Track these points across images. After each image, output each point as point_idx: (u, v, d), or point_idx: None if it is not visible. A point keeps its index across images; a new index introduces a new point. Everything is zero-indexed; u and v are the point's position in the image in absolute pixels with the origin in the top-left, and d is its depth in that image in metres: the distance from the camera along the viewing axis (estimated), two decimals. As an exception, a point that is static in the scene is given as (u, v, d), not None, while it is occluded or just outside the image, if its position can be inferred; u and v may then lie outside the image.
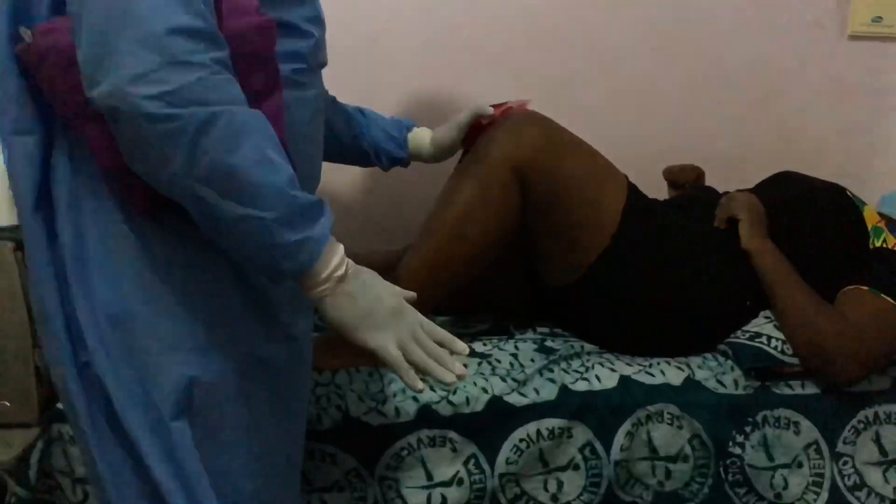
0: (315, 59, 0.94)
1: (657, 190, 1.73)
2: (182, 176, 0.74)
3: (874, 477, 1.35)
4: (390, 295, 0.87)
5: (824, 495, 1.34)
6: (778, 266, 1.35)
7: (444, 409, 1.25)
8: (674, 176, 1.75)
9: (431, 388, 1.24)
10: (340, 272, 0.83)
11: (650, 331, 1.39)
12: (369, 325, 0.85)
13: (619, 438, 1.28)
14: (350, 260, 0.86)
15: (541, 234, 1.35)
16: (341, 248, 0.85)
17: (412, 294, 0.91)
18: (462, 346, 0.89)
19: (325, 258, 0.82)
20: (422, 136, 1.40)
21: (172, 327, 0.87)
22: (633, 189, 1.40)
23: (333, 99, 1.32)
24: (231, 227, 0.77)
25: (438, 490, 1.26)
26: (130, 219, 0.85)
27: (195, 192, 0.75)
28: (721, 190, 1.59)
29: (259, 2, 0.83)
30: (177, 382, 0.87)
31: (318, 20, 0.95)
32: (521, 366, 1.34)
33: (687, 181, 1.74)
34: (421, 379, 0.87)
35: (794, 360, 1.32)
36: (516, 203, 1.30)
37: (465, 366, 0.89)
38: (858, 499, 1.35)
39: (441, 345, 0.88)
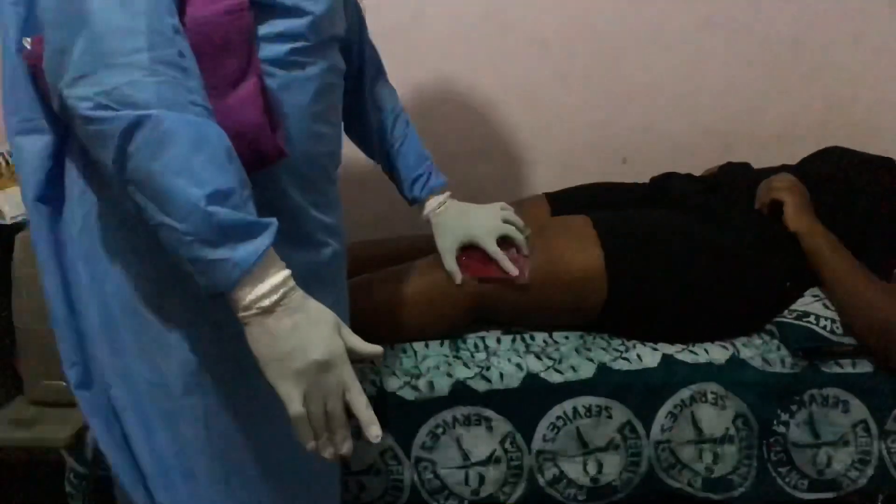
0: (319, 35, 0.89)
1: (704, 166, 1.70)
2: (115, 176, 0.73)
3: None
4: (322, 347, 0.79)
5: (869, 471, 1.30)
6: (830, 246, 1.29)
7: (479, 385, 1.24)
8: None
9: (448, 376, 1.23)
10: (266, 303, 0.76)
11: (690, 328, 1.34)
12: (281, 370, 0.78)
13: (661, 418, 1.26)
14: (298, 294, 0.79)
15: (531, 315, 1.36)
16: (281, 277, 0.77)
17: (373, 350, 0.84)
18: (375, 432, 0.82)
19: (246, 284, 0.75)
20: (432, 207, 1.30)
21: (181, 305, 0.87)
22: (605, 233, 1.33)
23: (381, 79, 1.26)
24: (156, 231, 0.75)
25: (476, 469, 1.25)
26: None
27: (128, 192, 0.74)
28: (767, 165, 1.54)
29: None
30: (187, 359, 0.88)
31: None
32: (556, 342, 1.33)
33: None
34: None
35: (845, 339, 1.27)
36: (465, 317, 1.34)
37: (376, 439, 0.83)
38: None
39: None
